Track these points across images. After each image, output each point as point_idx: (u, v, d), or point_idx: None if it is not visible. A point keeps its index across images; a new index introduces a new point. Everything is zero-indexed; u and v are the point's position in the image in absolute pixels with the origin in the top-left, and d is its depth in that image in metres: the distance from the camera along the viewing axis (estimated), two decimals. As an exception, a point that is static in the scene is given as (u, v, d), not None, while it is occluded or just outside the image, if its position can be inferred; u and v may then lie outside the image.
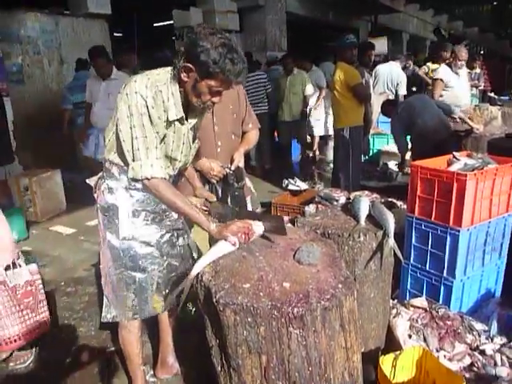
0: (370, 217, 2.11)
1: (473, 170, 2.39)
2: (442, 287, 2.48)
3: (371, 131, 5.25)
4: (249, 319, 1.33)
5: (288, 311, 1.30)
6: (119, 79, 4.23)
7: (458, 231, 2.34)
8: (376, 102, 5.20)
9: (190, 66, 1.55)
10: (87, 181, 1.89)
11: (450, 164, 2.66)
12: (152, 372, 2.28)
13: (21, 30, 5.46)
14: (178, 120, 1.68)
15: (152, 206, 1.80)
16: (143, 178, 1.62)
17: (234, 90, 2.35)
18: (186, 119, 1.73)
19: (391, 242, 1.91)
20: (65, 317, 2.85)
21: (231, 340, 1.37)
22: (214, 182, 2.23)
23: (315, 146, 6.97)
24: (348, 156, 4.22)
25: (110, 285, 1.85)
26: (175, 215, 1.88)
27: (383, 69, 6.07)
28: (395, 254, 2.06)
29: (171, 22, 8.65)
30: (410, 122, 4.07)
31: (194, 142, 1.87)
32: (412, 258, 2.63)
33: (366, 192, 3.98)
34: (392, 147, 5.18)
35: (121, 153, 1.69)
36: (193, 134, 1.83)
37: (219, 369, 1.52)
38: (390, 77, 5.90)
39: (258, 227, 1.62)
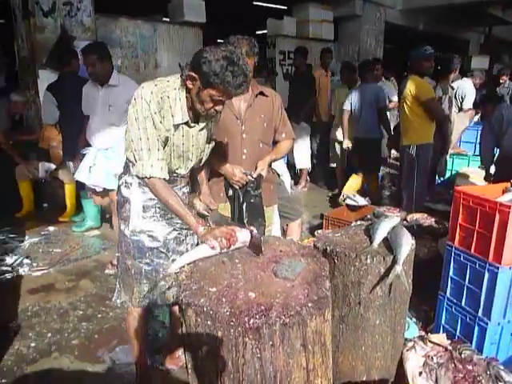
0: (387, 240, 2.00)
1: (526, 202, 2.13)
2: (476, 328, 2.25)
3: (451, 151, 4.85)
4: (208, 322, 1.35)
5: (245, 320, 1.30)
6: (121, 86, 3.36)
7: (498, 268, 2.11)
8: (457, 120, 4.82)
9: (194, 74, 1.63)
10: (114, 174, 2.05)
11: (504, 193, 2.40)
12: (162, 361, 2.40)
13: (122, 35, 6.04)
14: (185, 123, 1.77)
15: (161, 203, 1.90)
16: (143, 176, 1.74)
17: (268, 99, 2.39)
18: (197, 122, 1.82)
19: (398, 269, 1.77)
20: (107, 297, 3.12)
21: (192, 340, 1.41)
22: (237, 187, 2.28)
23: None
24: (412, 175, 3.96)
25: (121, 272, 2.01)
26: None
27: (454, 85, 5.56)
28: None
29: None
30: (500, 133, 3.64)
31: (208, 143, 1.95)
32: (448, 292, 2.42)
33: (425, 215, 3.74)
34: (471, 170, 4.75)
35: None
36: (206, 135, 1.91)
37: (189, 367, 1.56)
38: (457, 92, 5.35)
39: (244, 234, 1.62)
